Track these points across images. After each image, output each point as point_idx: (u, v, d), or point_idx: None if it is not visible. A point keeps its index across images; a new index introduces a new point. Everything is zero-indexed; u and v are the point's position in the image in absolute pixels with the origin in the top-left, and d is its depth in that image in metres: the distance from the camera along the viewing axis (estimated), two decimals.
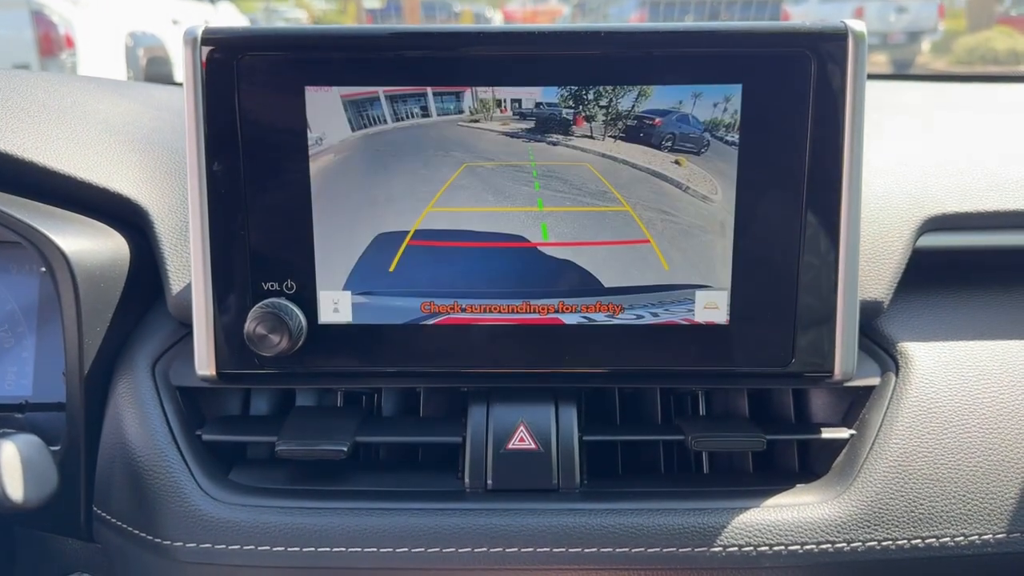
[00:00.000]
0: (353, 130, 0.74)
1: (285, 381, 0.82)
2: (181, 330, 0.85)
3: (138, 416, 0.79)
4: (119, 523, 0.79)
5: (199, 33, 0.73)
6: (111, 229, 0.85)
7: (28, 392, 0.87)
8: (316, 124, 0.74)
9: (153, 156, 0.90)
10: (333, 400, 0.86)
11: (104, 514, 0.80)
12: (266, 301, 0.75)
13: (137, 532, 0.77)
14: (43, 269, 0.87)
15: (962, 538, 0.75)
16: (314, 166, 0.74)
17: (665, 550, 0.73)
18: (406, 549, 0.73)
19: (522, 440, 0.77)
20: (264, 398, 0.86)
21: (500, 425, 0.78)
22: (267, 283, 0.77)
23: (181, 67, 0.73)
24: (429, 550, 0.73)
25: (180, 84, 1.47)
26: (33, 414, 0.85)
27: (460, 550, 0.73)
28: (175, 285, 0.82)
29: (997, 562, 0.76)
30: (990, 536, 0.75)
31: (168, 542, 0.75)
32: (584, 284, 0.76)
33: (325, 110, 0.73)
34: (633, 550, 0.73)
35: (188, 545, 0.74)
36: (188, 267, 0.82)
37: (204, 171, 0.74)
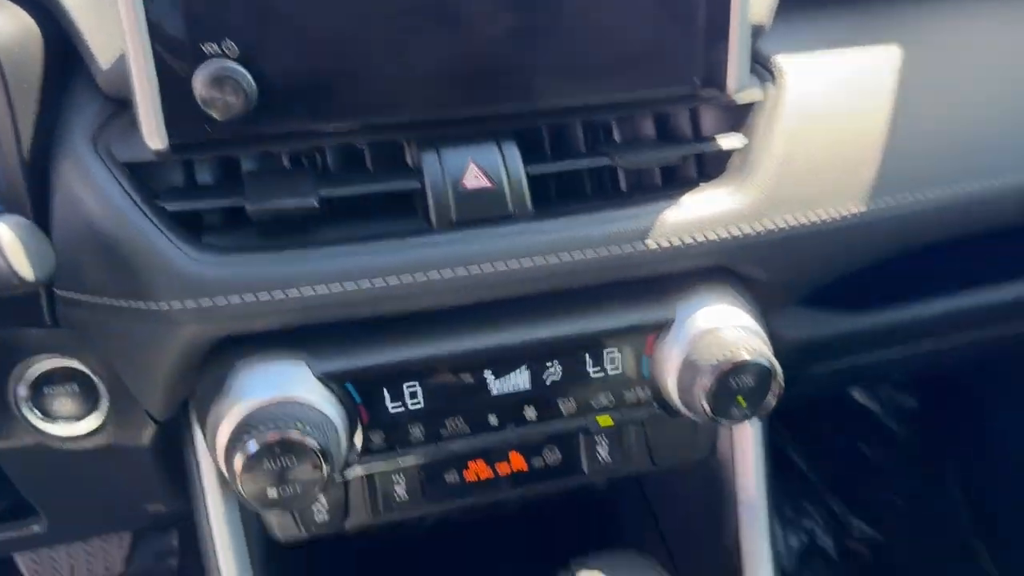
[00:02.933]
0: None
1: (236, 148, 0.83)
2: (109, 106, 0.82)
3: (94, 193, 0.78)
4: (95, 299, 0.80)
5: None
6: (11, 4, 0.79)
7: None
8: None
9: None
10: (279, 164, 0.88)
11: (73, 295, 0.81)
12: (213, 61, 0.75)
13: (121, 303, 0.79)
14: None
15: (835, 212, 0.94)
16: None
17: (610, 250, 0.86)
18: (394, 278, 0.80)
19: (477, 177, 0.85)
20: (207, 169, 0.86)
21: (453, 166, 0.84)
22: (207, 44, 0.76)
23: None
24: (414, 275, 0.81)
25: None
26: None
27: (441, 272, 0.81)
28: (102, 60, 0.79)
29: (863, 228, 0.96)
30: (856, 209, 0.94)
31: (161, 304, 0.78)
32: None
33: None
34: (585, 252, 0.85)
35: (185, 302, 0.78)
36: (112, 39, 0.79)
37: None
